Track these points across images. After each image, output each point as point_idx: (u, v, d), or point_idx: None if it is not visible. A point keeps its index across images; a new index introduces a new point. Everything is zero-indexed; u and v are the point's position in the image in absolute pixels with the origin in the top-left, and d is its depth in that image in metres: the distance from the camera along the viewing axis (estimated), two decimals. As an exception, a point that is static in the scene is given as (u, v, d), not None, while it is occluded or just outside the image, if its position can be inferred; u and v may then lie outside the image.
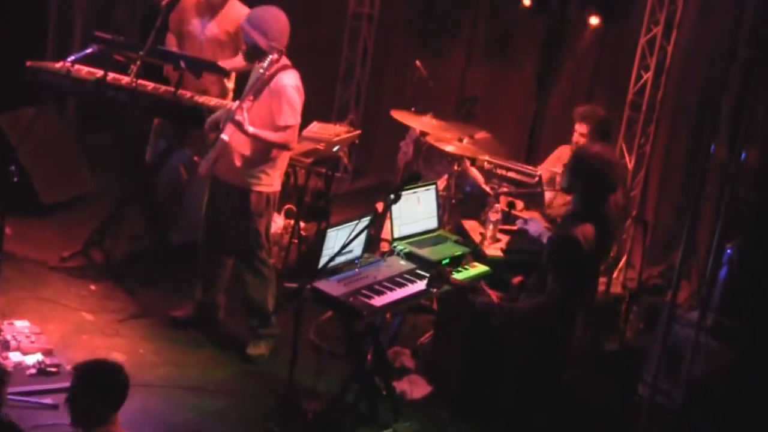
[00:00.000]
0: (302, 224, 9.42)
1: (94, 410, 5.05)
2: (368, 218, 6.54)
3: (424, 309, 8.11)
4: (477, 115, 10.58)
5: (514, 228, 7.99)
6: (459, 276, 6.93)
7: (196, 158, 8.63)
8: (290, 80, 7.34)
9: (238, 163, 7.37)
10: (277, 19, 7.36)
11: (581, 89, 10.58)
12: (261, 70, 7.23)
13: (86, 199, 9.69)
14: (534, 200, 8.45)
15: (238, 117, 7.14)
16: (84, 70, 8.26)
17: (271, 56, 7.22)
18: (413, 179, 6.99)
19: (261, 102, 7.29)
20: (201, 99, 8.20)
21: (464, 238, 7.74)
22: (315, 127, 9.08)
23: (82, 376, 5.12)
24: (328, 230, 6.49)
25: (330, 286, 6.36)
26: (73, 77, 8.20)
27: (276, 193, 7.62)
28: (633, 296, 9.03)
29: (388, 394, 7.08)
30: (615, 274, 9.87)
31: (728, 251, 7.71)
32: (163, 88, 8.31)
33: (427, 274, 6.52)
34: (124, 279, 8.30)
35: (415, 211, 7.29)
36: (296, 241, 9.27)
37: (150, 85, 8.30)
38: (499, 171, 8.60)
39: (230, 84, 8.79)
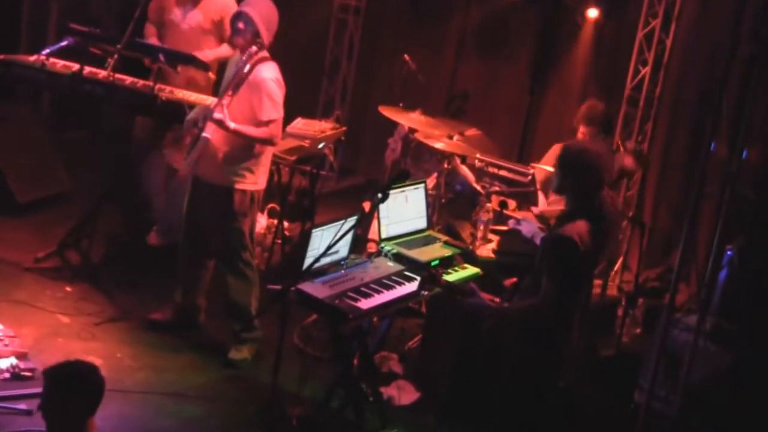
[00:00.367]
0: (286, 224, 9.45)
1: (68, 415, 5.01)
2: (355, 218, 6.57)
3: (412, 312, 8.13)
4: (468, 111, 10.61)
5: (506, 228, 8.03)
6: (449, 278, 6.96)
7: (173, 164, 8.71)
8: (269, 73, 7.34)
9: (220, 161, 7.38)
10: (275, 12, 7.43)
11: (577, 84, 10.62)
12: (241, 65, 7.24)
13: (62, 198, 9.70)
14: (527, 200, 8.48)
15: (217, 115, 7.16)
16: (59, 63, 8.25)
17: (250, 49, 7.25)
18: (401, 178, 7.00)
19: (240, 97, 7.29)
20: (181, 94, 8.20)
21: (454, 238, 7.77)
22: (299, 124, 9.10)
23: (53, 379, 5.05)
24: (313, 230, 6.49)
25: (315, 289, 6.37)
26: (48, 71, 8.17)
27: (260, 191, 7.64)
28: (630, 299, 9.04)
29: (375, 400, 7.09)
30: (611, 277, 9.88)
31: (728, 252, 7.75)
32: (142, 82, 8.32)
33: (416, 276, 6.55)
34: (101, 281, 8.30)
35: (404, 210, 7.32)
36: (280, 241, 9.29)
37: (128, 80, 8.29)
38: (490, 169, 8.61)
39: (212, 75, 8.82)
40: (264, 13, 7.34)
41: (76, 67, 8.09)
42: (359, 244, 7.42)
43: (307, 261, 6.37)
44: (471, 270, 7.28)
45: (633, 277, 9.51)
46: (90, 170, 9.90)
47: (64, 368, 5.12)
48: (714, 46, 9.52)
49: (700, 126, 9.74)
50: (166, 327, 7.88)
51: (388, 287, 6.63)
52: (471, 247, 7.72)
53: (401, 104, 9.30)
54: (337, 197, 10.93)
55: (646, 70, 9.92)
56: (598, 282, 8.79)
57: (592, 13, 10.18)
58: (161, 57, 8.18)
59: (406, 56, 9.78)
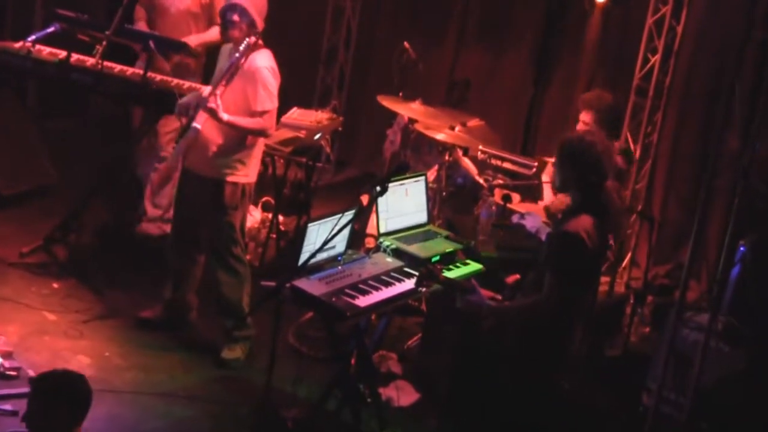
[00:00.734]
0: (281, 218, 9.45)
1: (54, 426, 5.00)
2: (352, 212, 6.55)
3: (412, 310, 8.15)
4: (470, 101, 10.59)
5: (510, 223, 8.01)
6: (450, 274, 6.93)
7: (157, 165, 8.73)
8: (264, 61, 7.34)
9: (211, 152, 7.37)
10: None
11: (583, 72, 10.60)
12: (238, 56, 7.23)
13: (48, 191, 9.67)
14: (531, 193, 8.47)
15: (211, 104, 7.15)
16: (45, 50, 8.25)
17: (248, 39, 7.24)
18: (401, 170, 6.98)
19: (234, 86, 7.28)
20: (173, 82, 8.21)
21: (455, 233, 7.76)
22: (295, 114, 9.10)
23: (39, 390, 5.06)
24: (309, 225, 6.49)
25: (311, 285, 6.36)
26: (33, 58, 8.18)
27: (252, 184, 7.63)
28: (638, 297, 9.00)
29: (373, 401, 7.08)
30: (619, 273, 9.86)
31: (741, 248, 7.74)
32: (131, 70, 8.32)
33: (416, 273, 6.54)
34: (89, 277, 8.31)
35: (403, 204, 7.31)
36: (274, 236, 9.29)
37: (117, 67, 8.30)
38: (493, 161, 8.62)
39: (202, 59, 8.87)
40: (255, 1, 7.34)
41: (63, 54, 8.09)
42: (357, 239, 7.43)
43: (303, 257, 6.35)
44: (473, 266, 7.26)
45: (642, 274, 9.50)
46: (77, 161, 9.91)
47: (51, 378, 5.12)
48: (727, 33, 9.50)
49: (711, 117, 9.73)
50: (156, 325, 7.88)
51: (387, 284, 6.62)
52: (473, 242, 7.70)
53: (401, 94, 9.30)
54: (333, 190, 10.93)
55: (655, 59, 9.88)
56: (605, 279, 8.79)
57: (600, -2, 10.18)
58: (152, 44, 8.17)
59: (405, 44, 9.77)
